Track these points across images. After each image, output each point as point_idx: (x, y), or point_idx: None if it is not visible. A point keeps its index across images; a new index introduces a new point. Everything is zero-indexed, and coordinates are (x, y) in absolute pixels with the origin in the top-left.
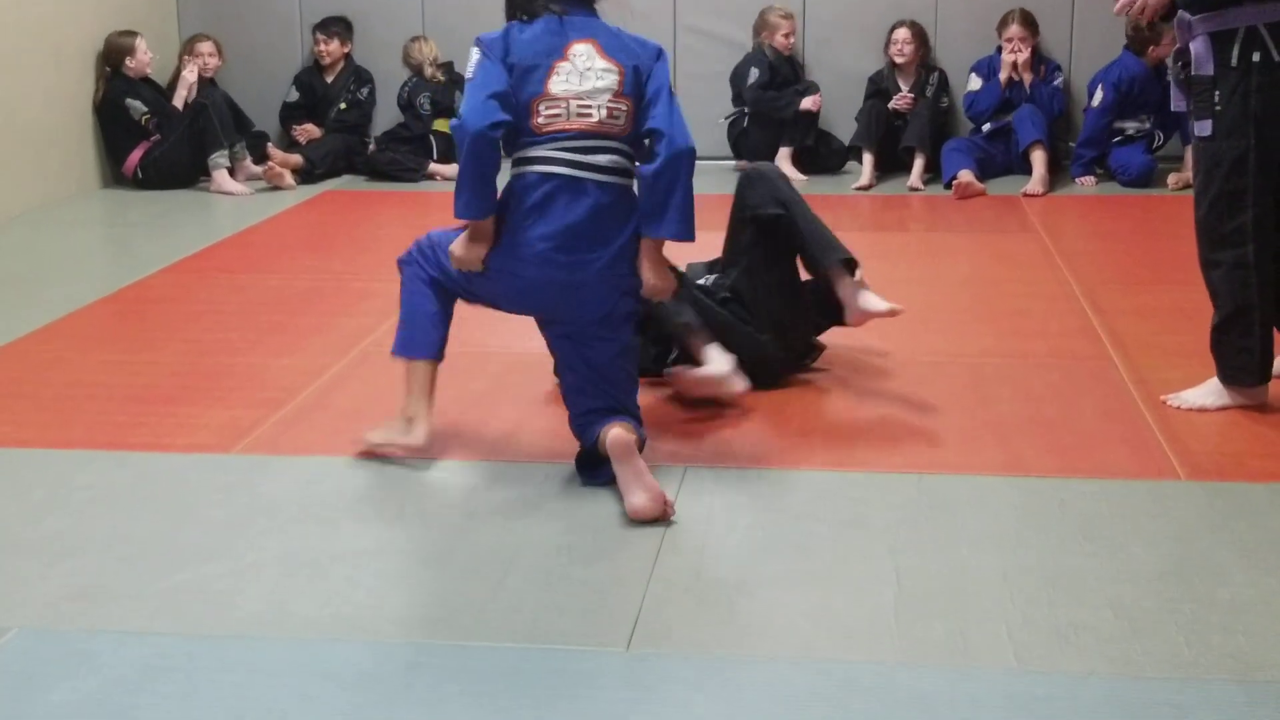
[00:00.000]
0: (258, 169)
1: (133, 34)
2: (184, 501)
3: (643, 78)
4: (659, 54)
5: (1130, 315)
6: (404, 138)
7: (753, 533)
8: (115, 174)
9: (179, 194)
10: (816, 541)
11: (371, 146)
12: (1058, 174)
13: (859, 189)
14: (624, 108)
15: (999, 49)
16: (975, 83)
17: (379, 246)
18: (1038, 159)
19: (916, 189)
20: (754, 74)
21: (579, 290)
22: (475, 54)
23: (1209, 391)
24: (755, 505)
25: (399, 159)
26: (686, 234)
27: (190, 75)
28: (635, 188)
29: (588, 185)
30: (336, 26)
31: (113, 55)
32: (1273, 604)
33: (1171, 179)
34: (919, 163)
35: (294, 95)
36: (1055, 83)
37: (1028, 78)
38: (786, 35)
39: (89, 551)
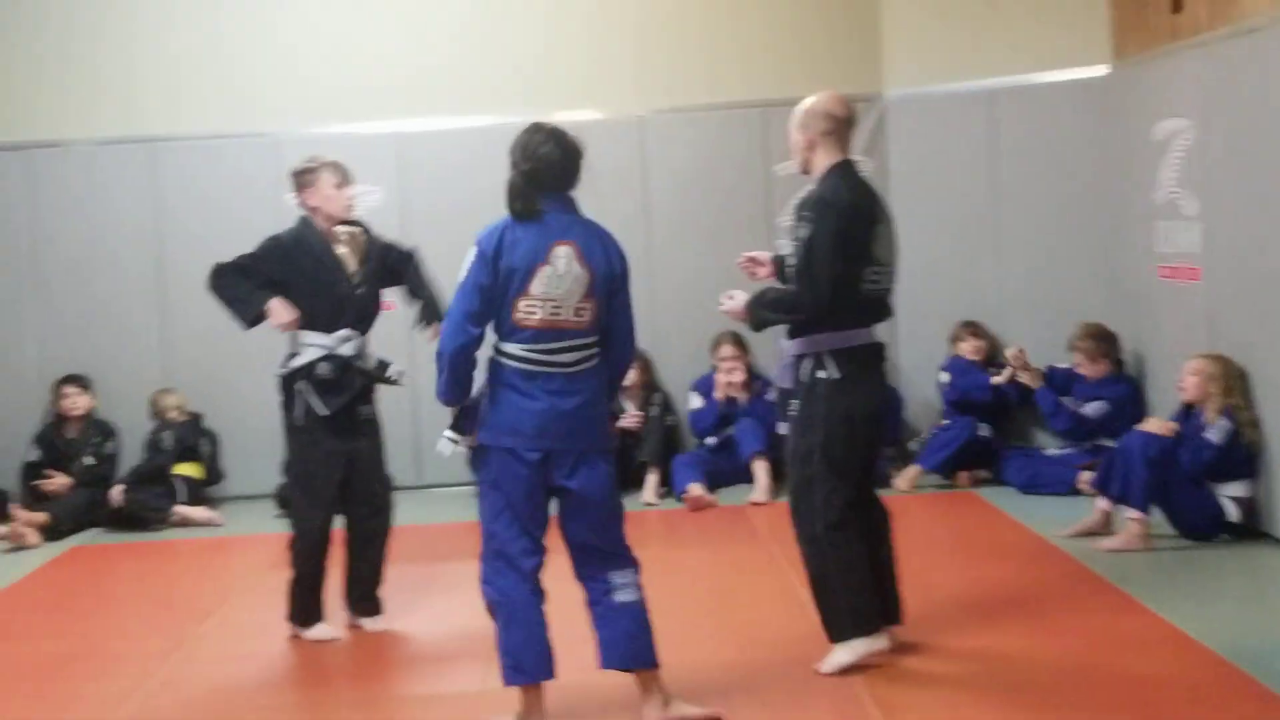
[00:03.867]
0: (1, 529)
1: None
2: None
3: (612, 283)
4: (624, 258)
5: None
6: (149, 477)
7: None
8: None
9: None
10: None
11: (117, 489)
12: (780, 482)
13: None
14: (589, 307)
15: (714, 368)
16: (696, 401)
17: (131, 604)
18: (760, 469)
19: (652, 504)
20: None
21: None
22: (471, 252)
23: (837, 653)
24: None
25: (145, 499)
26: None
27: None
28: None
29: (556, 377)
30: (83, 381)
31: None
32: None
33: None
34: (652, 478)
35: (35, 454)
36: (768, 397)
37: (743, 395)
38: None
39: None
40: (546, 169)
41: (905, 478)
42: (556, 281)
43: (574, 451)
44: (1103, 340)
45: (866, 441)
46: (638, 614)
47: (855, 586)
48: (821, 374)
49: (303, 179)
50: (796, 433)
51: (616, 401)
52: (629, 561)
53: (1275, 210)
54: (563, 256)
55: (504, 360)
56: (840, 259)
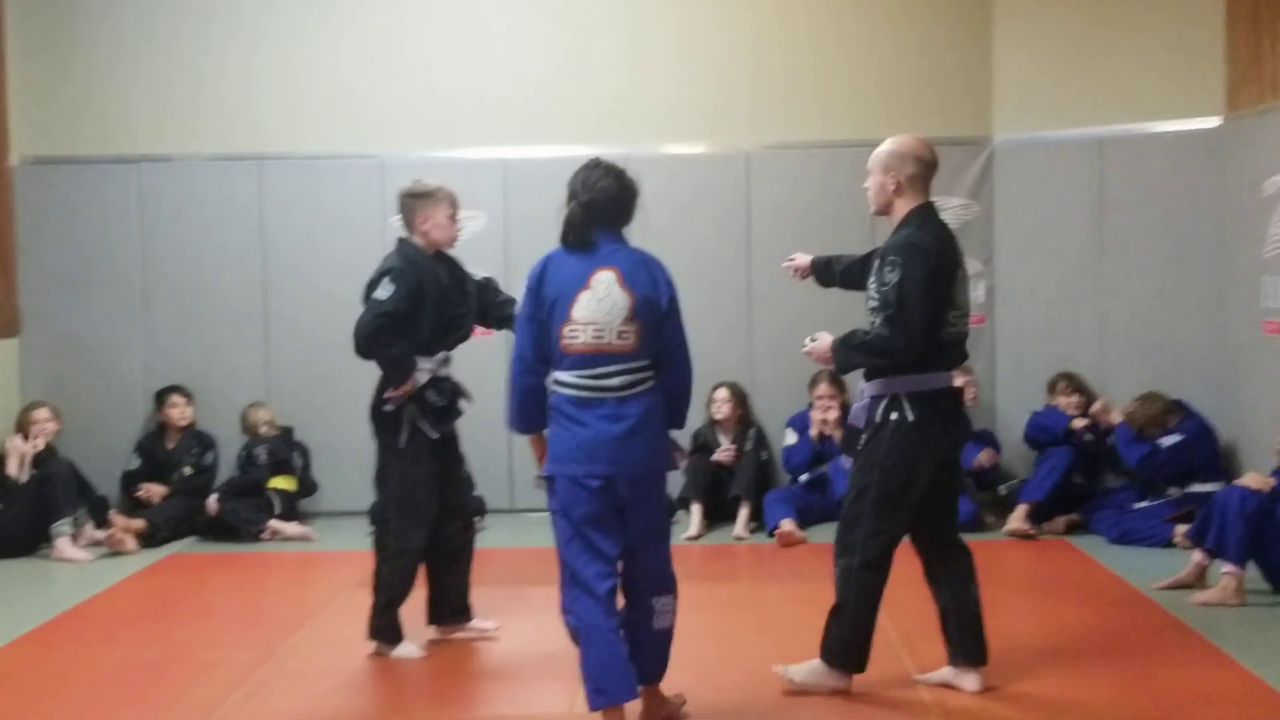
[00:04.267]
0: (99, 534)
1: None
2: None
3: (657, 309)
4: (670, 284)
5: (945, 660)
6: (244, 490)
7: None
8: None
9: (18, 563)
10: None
11: (213, 499)
12: None
13: (689, 539)
14: (632, 330)
15: (811, 405)
16: (791, 438)
17: (224, 614)
18: None
19: (742, 538)
20: None
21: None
22: (523, 287)
23: (811, 670)
24: None
25: (240, 509)
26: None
27: (24, 447)
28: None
29: (607, 402)
30: (186, 391)
31: None
32: None
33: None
34: (744, 512)
35: (135, 463)
36: None
37: (838, 433)
38: None
39: None
40: (605, 203)
41: (1017, 518)
42: (596, 305)
43: (628, 475)
44: (1159, 401)
45: (935, 486)
46: (667, 639)
47: (863, 627)
48: (895, 416)
49: (418, 202)
50: (857, 468)
51: (682, 426)
52: (670, 586)
53: None
54: (603, 281)
55: (557, 388)
56: (930, 302)
